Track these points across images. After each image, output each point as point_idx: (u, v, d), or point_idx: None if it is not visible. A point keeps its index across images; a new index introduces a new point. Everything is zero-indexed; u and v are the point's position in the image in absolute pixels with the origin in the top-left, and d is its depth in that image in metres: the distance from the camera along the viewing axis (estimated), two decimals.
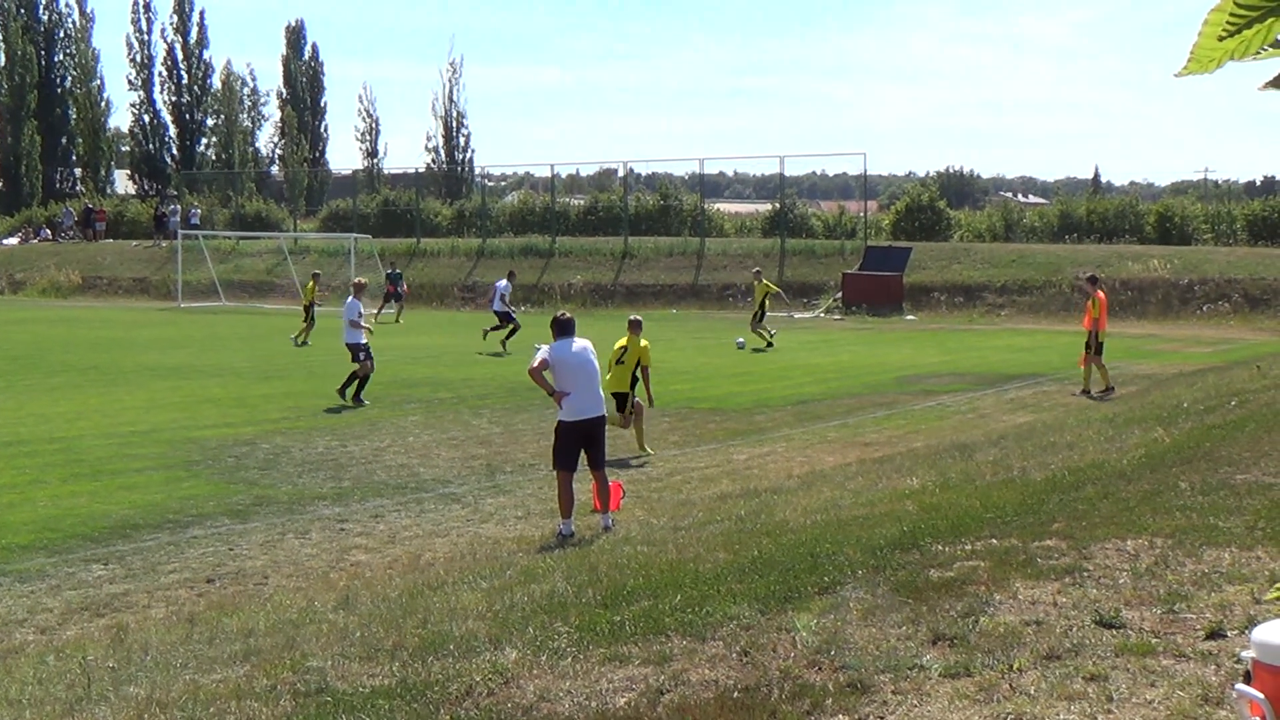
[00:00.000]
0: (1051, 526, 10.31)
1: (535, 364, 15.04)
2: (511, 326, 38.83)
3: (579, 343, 15.38)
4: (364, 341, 26.56)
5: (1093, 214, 62.02)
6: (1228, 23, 2.05)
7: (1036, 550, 9.46)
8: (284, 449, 20.62)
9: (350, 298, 27.44)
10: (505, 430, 22.27)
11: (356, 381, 26.08)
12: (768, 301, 41.09)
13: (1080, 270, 50.55)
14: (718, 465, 19.38)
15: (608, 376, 21.42)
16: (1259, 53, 2.10)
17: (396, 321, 49.90)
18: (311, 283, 43.85)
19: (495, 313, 39.83)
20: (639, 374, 21.21)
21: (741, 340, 39.08)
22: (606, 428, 15.69)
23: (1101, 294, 27.29)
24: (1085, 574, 8.71)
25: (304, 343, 40.54)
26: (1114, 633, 7.35)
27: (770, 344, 39.11)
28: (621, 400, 21.19)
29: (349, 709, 7.07)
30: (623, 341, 21.39)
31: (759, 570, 9.67)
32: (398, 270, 54.29)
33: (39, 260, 73.34)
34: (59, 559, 13.89)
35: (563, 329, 15.45)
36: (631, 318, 22.39)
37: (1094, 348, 26.52)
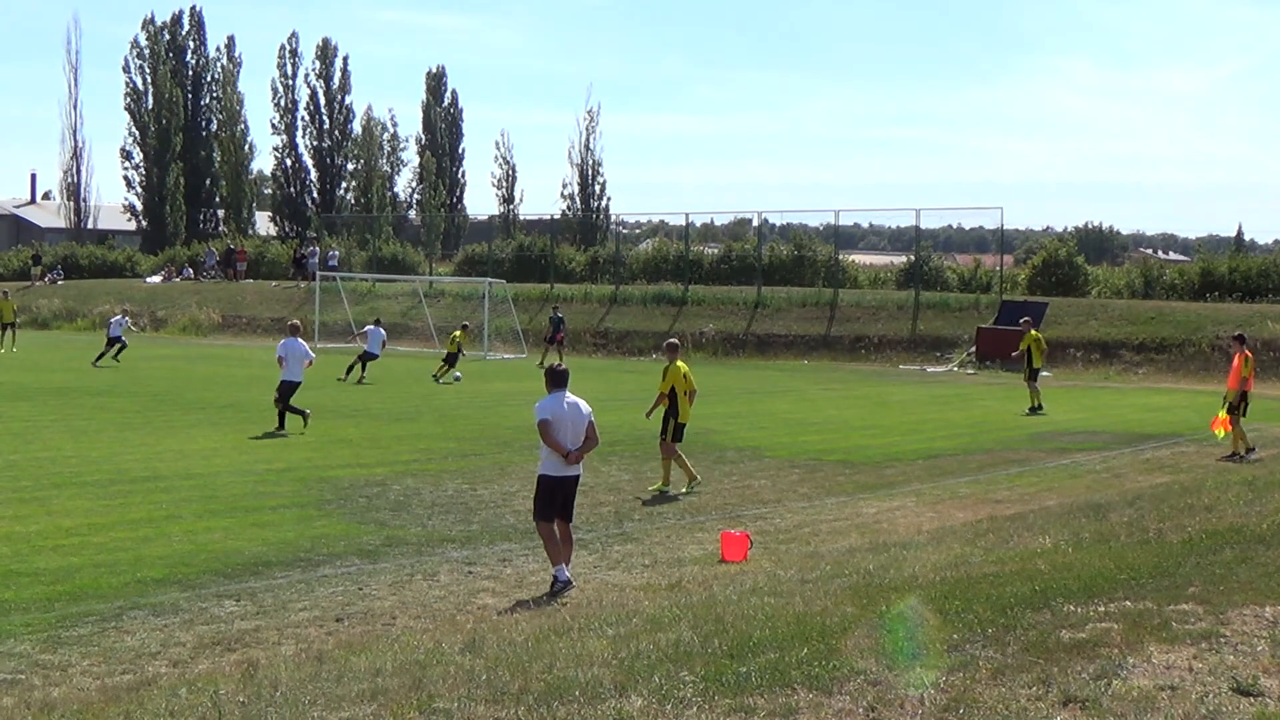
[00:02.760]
0: (1187, 590, 10.12)
1: (544, 429, 14.67)
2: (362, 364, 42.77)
3: (571, 398, 14.98)
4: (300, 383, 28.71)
5: (1235, 272, 60.89)
6: None
7: (1172, 614, 9.29)
8: (415, 491, 20.79)
9: (294, 339, 29.29)
10: (634, 478, 22.29)
11: (304, 414, 28.52)
12: (1035, 354, 36.28)
13: (1221, 330, 49.80)
14: (846, 518, 19.25)
15: (679, 410, 21.67)
16: None
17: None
18: (460, 331, 46.85)
19: (369, 353, 43.22)
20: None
21: (458, 374, 41.54)
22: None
23: (1248, 353, 26.75)
24: (1222, 640, 8.53)
25: (452, 380, 43.39)
26: (1252, 701, 7.19)
27: (1037, 406, 35.32)
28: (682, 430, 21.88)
29: None
30: (683, 368, 21.98)
31: (887, 625, 9.57)
32: (560, 315, 54.66)
33: (181, 298, 74.76)
34: (192, 594, 14.09)
35: (555, 381, 15.09)
36: (670, 341, 23.09)
37: (1239, 408, 26.02)
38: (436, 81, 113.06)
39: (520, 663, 9.37)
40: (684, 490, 21.24)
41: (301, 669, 10.31)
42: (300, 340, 29.23)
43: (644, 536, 17.73)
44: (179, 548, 16.22)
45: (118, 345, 48.01)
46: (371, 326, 44.78)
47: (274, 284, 77.64)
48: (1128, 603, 9.76)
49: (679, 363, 21.93)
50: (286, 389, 28.36)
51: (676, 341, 22.99)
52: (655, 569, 15.67)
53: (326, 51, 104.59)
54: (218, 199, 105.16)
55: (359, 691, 8.82)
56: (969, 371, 52.06)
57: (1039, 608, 9.79)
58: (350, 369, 42.56)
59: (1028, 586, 10.78)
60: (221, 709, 8.67)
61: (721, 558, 15.94)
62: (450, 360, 44.61)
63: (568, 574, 14.63)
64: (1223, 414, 26.11)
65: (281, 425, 28.07)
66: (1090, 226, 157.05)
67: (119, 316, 50.97)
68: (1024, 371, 36.77)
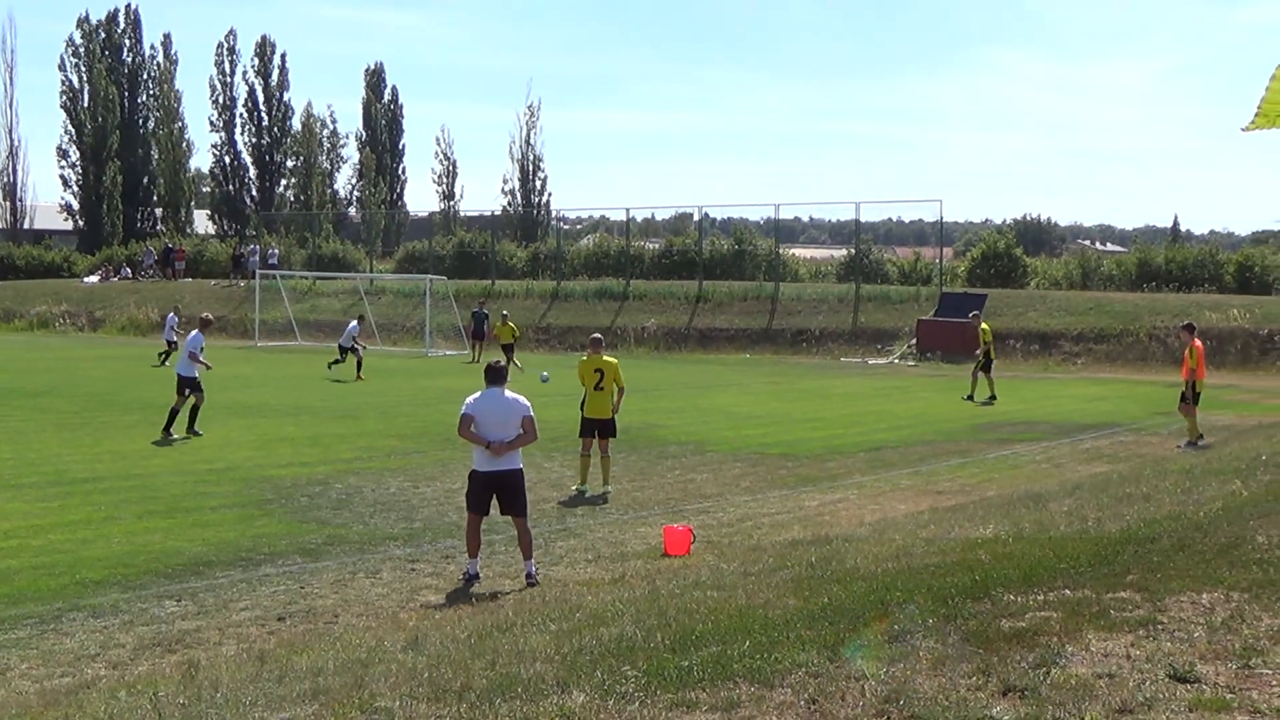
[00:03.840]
0: (1125, 578, 10.20)
1: (460, 424, 14.84)
2: (356, 359, 43.79)
3: (507, 395, 14.98)
4: (196, 376, 27.21)
5: (1171, 263, 61.57)
6: None
7: (1110, 602, 9.36)
8: (357, 489, 20.72)
9: (195, 331, 28.35)
10: (577, 474, 22.26)
11: (177, 415, 26.90)
12: (989, 347, 36.82)
13: (1159, 320, 50.26)
14: (789, 511, 19.30)
15: (584, 404, 21.22)
16: None
17: (474, 361, 50.61)
18: (500, 323, 48.42)
19: (339, 347, 45.27)
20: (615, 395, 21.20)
21: (545, 374, 37.78)
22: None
23: (1198, 343, 27.03)
24: (1159, 627, 8.60)
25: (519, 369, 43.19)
26: (1188, 687, 7.25)
27: (972, 396, 35.99)
28: (605, 427, 21.03)
29: None
30: (594, 363, 21.12)
31: (829, 617, 9.61)
32: (485, 310, 54.68)
33: (119, 298, 74.18)
34: (132, 595, 13.99)
35: (488, 377, 15.18)
36: (594, 335, 22.28)
37: (1190, 397, 26.28)
38: (376, 78, 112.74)
39: (463, 660, 9.35)
40: (573, 488, 20.99)
41: (243, 669, 10.27)
42: (196, 333, 28.21)
43: (587, 531, 17.73)
44: (118, 549, 16.10)
45: (173, 347, 48.36)
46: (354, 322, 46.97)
47: (213, 283, 77.22)
48: (1067, 591, 9.82)
49: (599, 356, 21.13)
50: (179, 382, 27.31)
51: (598, 336, 22.19)
52: (598, 564, 15.67)
53: (265, 48, 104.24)
54: (155, 197, 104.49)
55: (300, 691, 8.79)
56: (910, 363, 52.31)
57: (979, 598, 9.84)
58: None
59: (968, 577, 10.83)
60: (161, 711, 8.62)
61: (664, 552, 15.95)
62: (508, 351, 45.54)
63: (478, 569, 14.78)
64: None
65: (169, 429, 26.73)
66: (1029, 218, 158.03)
67: (170, 315, 51.37)
68: (979, 362, 36.85)
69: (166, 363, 47.15)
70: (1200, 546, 11.66)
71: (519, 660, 9.02)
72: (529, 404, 15.05)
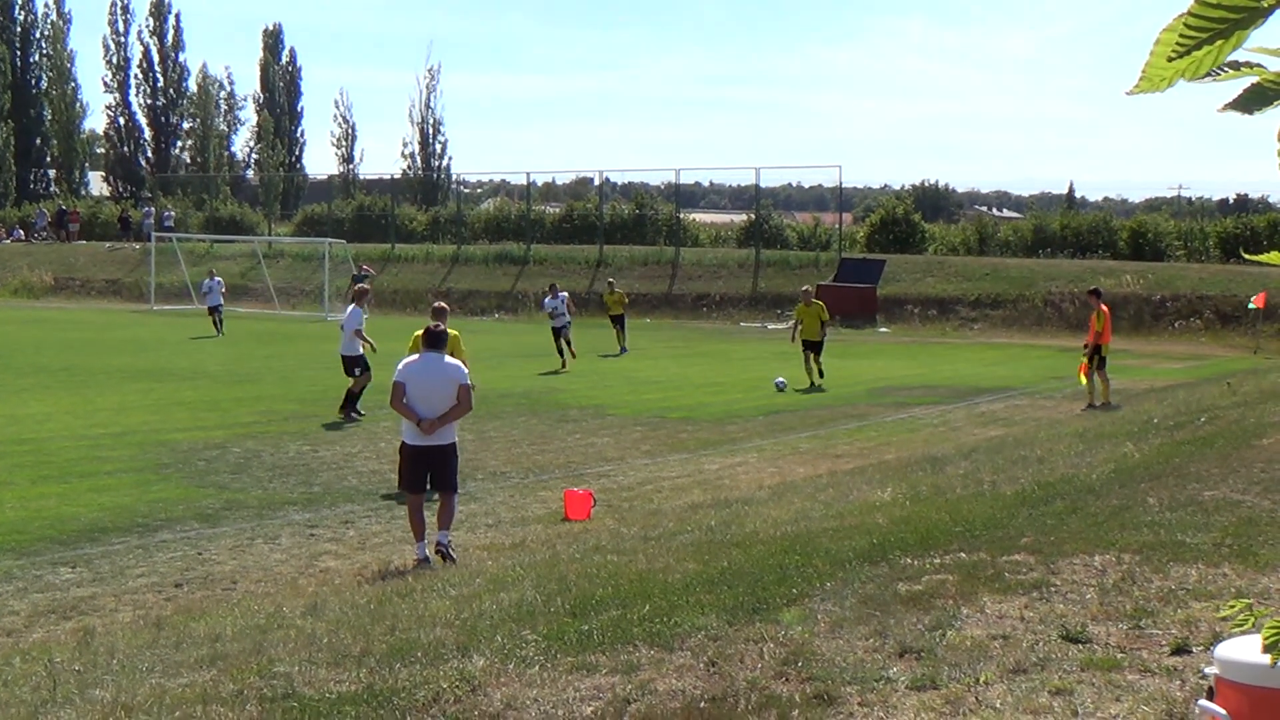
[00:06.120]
0: (1020, 541, 10.34)
1: (392, 393, 13.88)
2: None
3: (440, 360, 14.09)
4: (361, 354, 24.62)
5: (1067, 229, 62.18)
6: (1178, 43, 2.06)
7: (1005, 564, 9.49)
8: (255, 453, 20.55)
9: (353, 305, 25.43)
10: (477, 438, 22.18)
11: (356, 396, 24.58)
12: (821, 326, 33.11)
13: (1054, 285, 50.84)
14: (689, 475, 19.36)
15: None
16: (1217, 74, 2.12)
17: None
18: (608, 291, 44.11)
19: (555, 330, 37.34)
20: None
21: (782, 380, 31.73)
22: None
23: (1104, 307, 27.42)
24: (1052, 589, 8.73)
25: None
26: (1080, 647, 7.38)
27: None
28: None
29: (315, 715, 7.04)
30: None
31: (728, 581, 9.66)
32: (367, 272, 54.26)
33: (11, 261, 73.03)
34: (26, 561, 13.81)
35: (426, 341, 14.33)
36: (436, 304, 20.38)
37: (1096, 360, 26.63)
38: (274, 39, 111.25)
39: (362, 625, 9.33)
40: None
41: (139, 636, 10.18)
42: (354, 306, 25.32)
43: (487, 496, 17.70)
44: (12, 515, 15.88)
45: (217, 313, 47.03)
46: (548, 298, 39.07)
47: (107, 246, 76.14)
48: (962, 554, 9.94)
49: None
50: (345, 364, 24.88)
51: (441, 305, 20.11)
52: (499, 529, 15.66)
53: (160, 8, 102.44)
54: (49, 159, 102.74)
55: (198, 657, 8.73)
56: None
57: (876, 561, 9.94)
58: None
59: (866, 540, 10.93)
60: (56, 678, 8.53)
61: (565, 516, 15.97)
62: (618, 323, 41.63)
63: (426, 551, 13.75)
64: (1083, 360, 26.81)
65: (346, 409, 24.62)
66: (927, 184, 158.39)
67: (213, 280, 48.19)
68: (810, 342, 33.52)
69: (223, 332, 46.18)
70: (1093, 509, 11.84)
71: (419, 625, 9.01)
72: (467, 372, 14.36)
